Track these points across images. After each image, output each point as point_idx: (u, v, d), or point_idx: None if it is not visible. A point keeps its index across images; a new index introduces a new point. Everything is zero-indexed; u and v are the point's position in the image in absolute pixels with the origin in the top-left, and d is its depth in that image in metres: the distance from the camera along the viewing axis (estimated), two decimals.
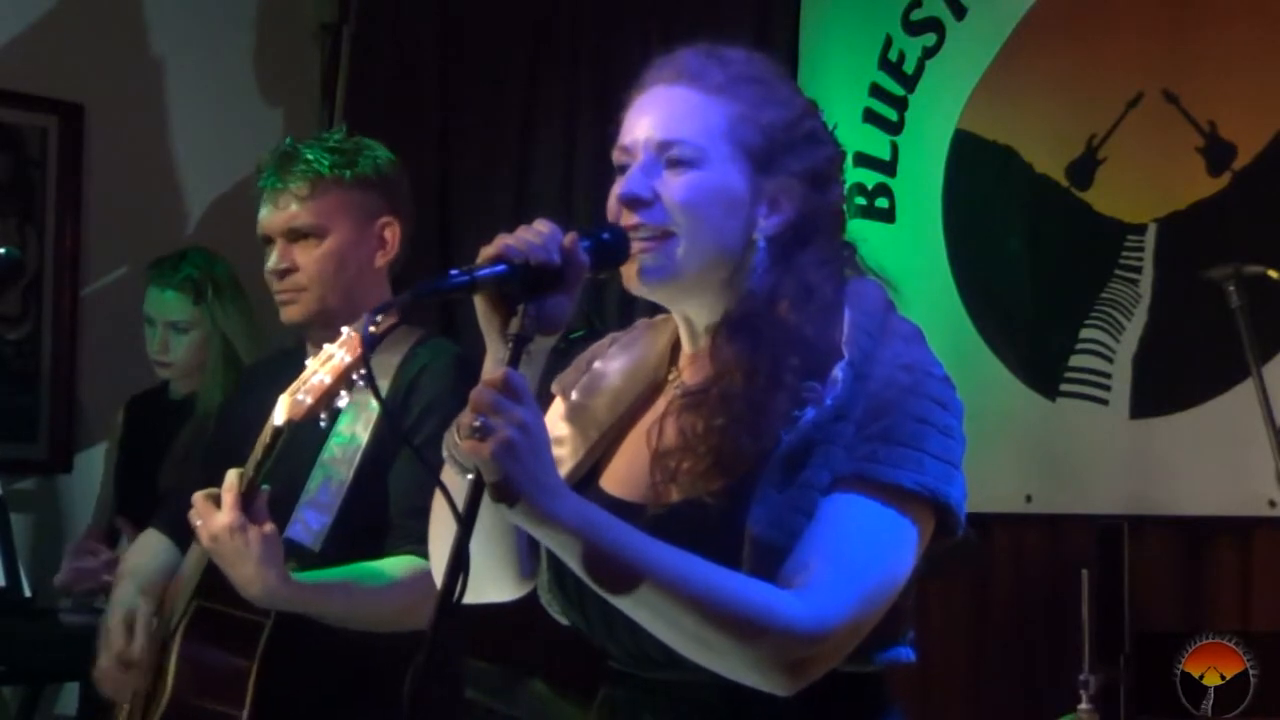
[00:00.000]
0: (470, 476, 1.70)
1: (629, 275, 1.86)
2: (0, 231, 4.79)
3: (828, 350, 1.82)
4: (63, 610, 4.26)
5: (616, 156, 1.92)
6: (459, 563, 1.63)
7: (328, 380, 2.35)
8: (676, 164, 1.85)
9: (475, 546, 1.67)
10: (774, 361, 1.82)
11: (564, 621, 1.96)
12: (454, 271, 1.71)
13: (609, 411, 1.97)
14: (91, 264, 4.98)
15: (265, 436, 2.51)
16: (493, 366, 1.77)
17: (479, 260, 1.73)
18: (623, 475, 1.93)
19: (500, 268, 1.72)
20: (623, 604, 1.72)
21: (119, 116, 5.02)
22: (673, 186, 1.85)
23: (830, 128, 1.95)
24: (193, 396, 4.26)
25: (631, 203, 1.86)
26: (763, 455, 1.79)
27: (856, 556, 1.74)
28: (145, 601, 2.82)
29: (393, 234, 2.88)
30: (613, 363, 2.00)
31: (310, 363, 2.41)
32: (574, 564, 1.71)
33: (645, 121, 1.88)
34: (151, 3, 5.12)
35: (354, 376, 2.25)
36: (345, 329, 2.30)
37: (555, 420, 1.98)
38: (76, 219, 4.93)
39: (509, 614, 2.15)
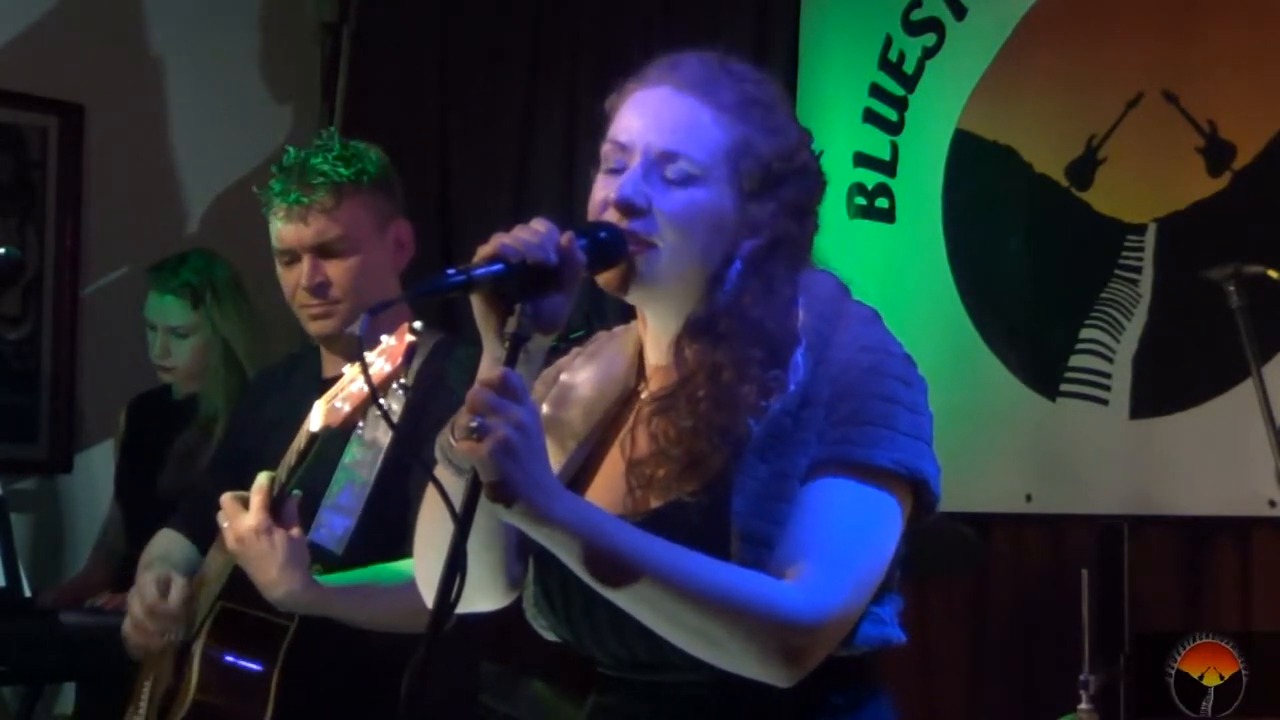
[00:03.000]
0: (468, 476, 1.69)
1: (607, 276, 1.86)
2: (0, 231, 4.78)
3: (787, 340, 1.84)
4: (63, 610, 4.26)
5: (609, 151, 1.90)
6: (456, 563, 1.63)
7: (368, 388, 2.34)
8: (675, 179, 1.85)
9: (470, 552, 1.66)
10: (738, 356, 1.83)
11: (550, 637, 1.96)
12: (450, 271, 1.70)
13: (583, 422, 1.96)
14: (91, 264, 4.98)
15: (299, 442, 2.50)
16: (490, 366, 1.77)
17: (476, 259, 1.72)
18: (602, 490, 1.92)
19: (497, 267, 1.71)
20: (622, 600, 1.72)
21: (119, 116, 5.02)
22: (668, 200, 1.85)
23: (818, 155, 1.95)
24: (195, 398, 4.26)
25: (625, 208, 1.85)
26: (736, 450, 1.79)
27: (846, 541, 1.76)
28: (178, 576, 2.79)
29: (407, 236, 2.88)
30: (580, 374, 2.00)
31: (348, 370, 2.41)
32: (573, 563, 1.71)
33: (649, 124, 1.87)
34: (151, 3, 5.11)
35: (395, 385, 2.24)
36: (384, 336, 2.29)
37: None
38: (76, 219, 4.93)
39: (509, 614, 2.14)
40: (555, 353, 1.89)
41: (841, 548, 1.75)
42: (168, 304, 4.25)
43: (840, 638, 1.78)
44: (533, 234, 1.74)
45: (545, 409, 1.97)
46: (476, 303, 1.76)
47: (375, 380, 2.32)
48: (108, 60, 5.03)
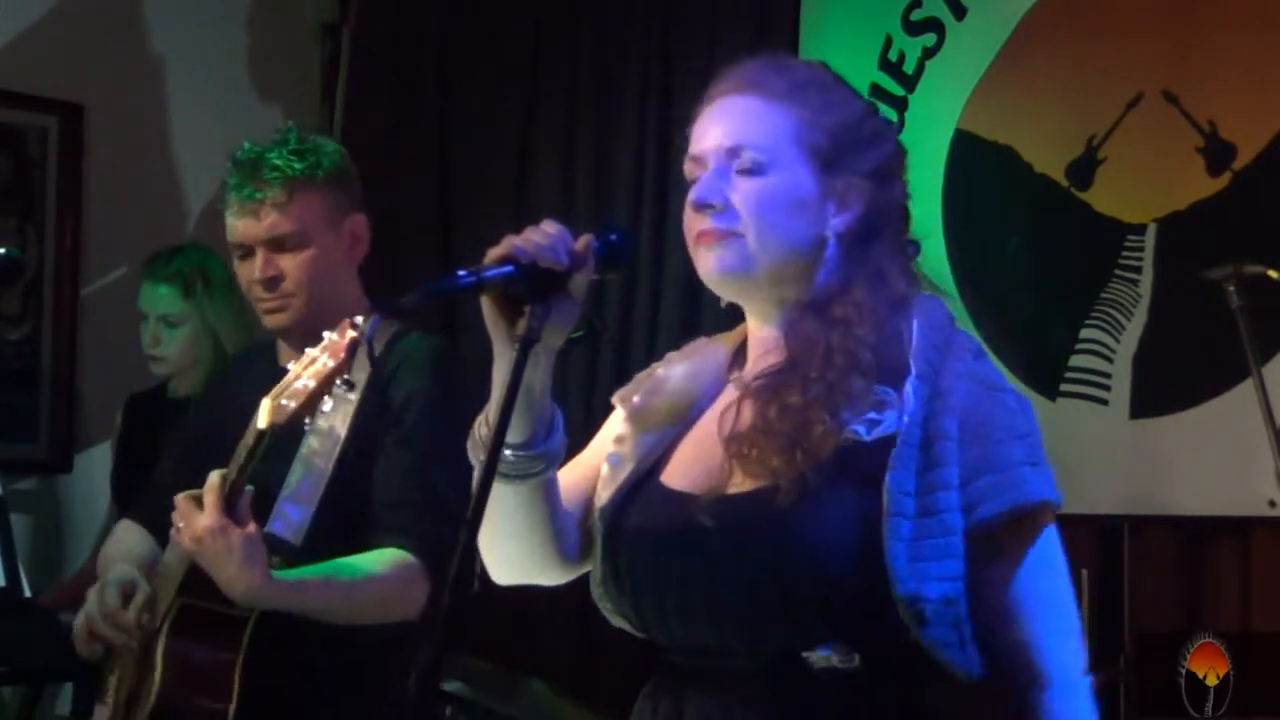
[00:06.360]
0: (478, 477, 1.70)
1: (705, 268, 1.90)
2: (0, 231, 4.78)
3: (899, 352, 1.85)
4: (63, 610, 4.25)
5: (687, 169, 1.95)
6: (465, 564, 1.64)
7: (311, 385, 2.35)
8: (746, 171, 1.89)
9: (509, 538, 1.77)
10: (850, 339, 1.85)
11: (614, 621, 1.97)
12: (461, 272, 1.71)
13: (670, 412, 1.98)
14: (91, 264, 4.97)
15: (248, 440, 2.50)
16: (500, 367, 1.78)
17: (486, 261, 1.74)
18: (684, 469, 1.93)
19: (507, 269, 1.73)
20: None
21: (119, 116, 5.01)
22: (743, 192, 1.88)
23: (890, 126, 2.00)
24: (191, 397, 4.26)
25: (703, 208, 1.89)
26: (836, 446, 1.80)
27: (1071, 613, 1.88)
28: (143, 583, 2.80)
29: (362, 230, 2.88)
30: (675, 368, 2.03)
31: (293, 367, 2.41)
32: None
33: (714, 131, 1.92)
34: (151, 3, 5.10)
35: (338, 382, 2.25)
36: (326, 333, 2.30)
37: (616, 423, 2.01)
38: (76, 219, 4.92)
39: (509, 613, 2.15)
40: (558, 354, 1.90)
41: (1071, 623, 1.87)
42: (160, 293, 4.26)
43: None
44: (544, 236, 1.75)
45: (637, 398, 2.01)
46: (486, 304, 1.77)
47: (318, 377, 2.33)
48: (108, 60, 5.02)
